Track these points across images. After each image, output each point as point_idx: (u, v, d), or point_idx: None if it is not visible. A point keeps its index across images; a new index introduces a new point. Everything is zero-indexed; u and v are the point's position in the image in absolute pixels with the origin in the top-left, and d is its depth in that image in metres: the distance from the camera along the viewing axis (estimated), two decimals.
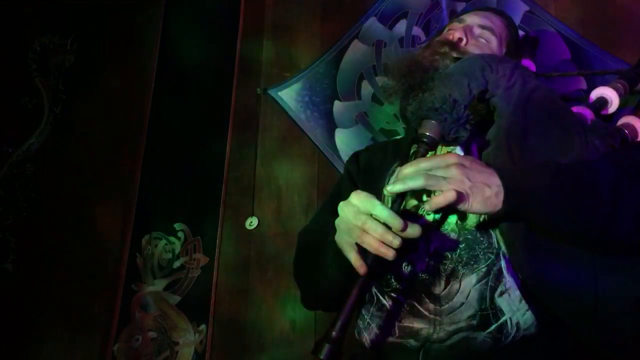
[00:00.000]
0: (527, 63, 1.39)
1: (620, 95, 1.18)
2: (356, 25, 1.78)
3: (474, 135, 0.99)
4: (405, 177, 0.83)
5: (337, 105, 1.73)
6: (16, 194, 1.89)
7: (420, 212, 1.00)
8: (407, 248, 0.98)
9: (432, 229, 0.99)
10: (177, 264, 1.69)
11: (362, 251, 0.86)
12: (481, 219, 0.94)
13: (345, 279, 0.97)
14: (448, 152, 1.03)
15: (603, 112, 1.16)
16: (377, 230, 0.84)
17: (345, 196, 1.22)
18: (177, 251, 1.71)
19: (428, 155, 0.89)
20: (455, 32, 1.21)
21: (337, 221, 0.92)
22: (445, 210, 0.92)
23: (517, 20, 1.56)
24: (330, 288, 1.06)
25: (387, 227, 0.84)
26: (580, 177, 0.85)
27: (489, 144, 0.97)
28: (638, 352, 0.86)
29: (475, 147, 1.04)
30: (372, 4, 1.78)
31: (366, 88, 1.72)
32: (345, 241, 0.89)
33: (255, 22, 1.92)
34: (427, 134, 0.89)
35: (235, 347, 1.57)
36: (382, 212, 0.84)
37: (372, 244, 0.84)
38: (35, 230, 1.83)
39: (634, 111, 1.21)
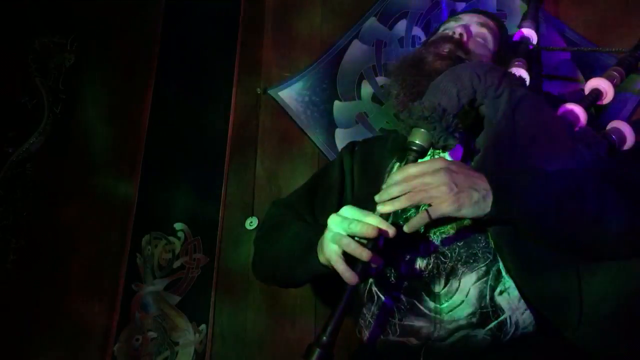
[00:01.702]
0: (529, 33, 1.40)
1: (615, 85, 1.19)
2: (356, 25, 1.78)
3: (464, 141, 1.02)
4: (393, 193, 0.87)
5: (337, 105, 1.73)
6: (16, 194, 1.89)
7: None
8: (406, 247, 1.00)
9: (431, 228, 0.99)
10: (177, 264, 1.69)
11: (350, 261, 0.88)
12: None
13: (307, 279, 1.02)
14: (438, 157, 1.05)
15: (598, 103, 1.18)
16: (359, 228, 0.87)
17: (328, 186, 1.26)
18: (177, 251, 1.71)
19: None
20: (456, 29, 1.22)
21: (326, 234, 0.93)
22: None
23: (517, 21, 1.56)
24: (288, 277, 1.11)
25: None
26: (568, 184, 0.87)
27: (478, 151, 0.98)
28: (624, 350, 0.88)
29: (466, 152, 1.05)
30: (372, 4, 1.78)
31: (366, 88, 1.72)
32: (333, 251, 0.90)
33: (255, 22, 1.92)
34: (417, 142, 0.92)
35: (235, 348, 1.57)
36: (374, 219, 0.88)
37: (350, 246, 0.87)
38: (35, 230, 1.83)
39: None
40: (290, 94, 1.78)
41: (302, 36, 1.86)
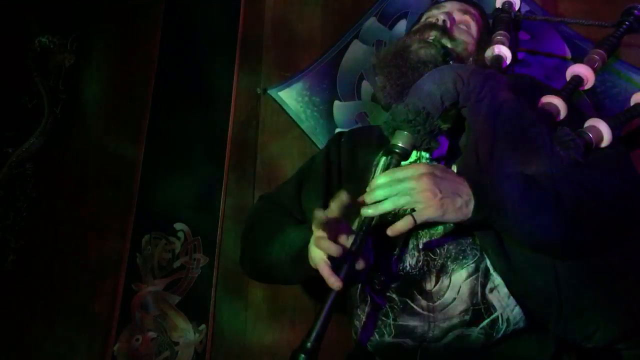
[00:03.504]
0: None
1: (595, 69, 1.19)
2: (356, 25, 1.78)
3: (449, 137, 1.03)
4: (376, 197, 0.87)
5: (337, 105, 1.73)
6: (16, 194, 1.89)
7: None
8: (395, 246, 1.00)
9: (419, 228, 1.00)
10: (177, 264, 1.69)
11: (335, 265, 0.89)
12: None
13: (298, 281, 1.03)
14: (420, 161, 1.07)
15: (581, 88, 1.19)
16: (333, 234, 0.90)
17: (315, 177, 1.27)
18: (177, 251, 1.71)
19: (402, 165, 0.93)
20: (439, 17, 1.22)
21: (312, 239, 0.95)
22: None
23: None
24: (279, 278, 1.13)
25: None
26: (546, 192, 0.89)
27: (459, 152, 0.99)
28: (602, 340, 0.92)
29: (450, 149, 1.07)
30: (372, 4, 1.78)
31: (366, 88, 1.72)
32: (319, 256, 0.92)
33: (255, 23, 1.93)
34: (400, 145, 0.92)
35: (235, 347, 1.57)
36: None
37: (331, 249, 0.89)
38: (35, 230, 1.83)
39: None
40: (290, 94, 1.78)
41: (302, 36, 1.86)
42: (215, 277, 1.65)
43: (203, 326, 1.60)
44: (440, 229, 1.00)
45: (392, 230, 0.88)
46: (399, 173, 0.88)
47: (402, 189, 0.86)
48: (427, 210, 0.85)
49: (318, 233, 0.92)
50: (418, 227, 0.99)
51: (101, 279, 1.73)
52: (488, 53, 1.30)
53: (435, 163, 1.05)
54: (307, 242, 0.97)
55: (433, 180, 0.86)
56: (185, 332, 1.60)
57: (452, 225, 0.98)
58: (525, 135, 0.96)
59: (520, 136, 0.96)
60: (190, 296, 1.64)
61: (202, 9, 2.00)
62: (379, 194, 0.87)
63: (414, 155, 1.10)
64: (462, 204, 0.86)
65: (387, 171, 0.90)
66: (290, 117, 1.76)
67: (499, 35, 1.33)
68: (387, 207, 0.87)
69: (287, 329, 1.54)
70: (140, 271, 1.71)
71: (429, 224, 0.99)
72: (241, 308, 1.61)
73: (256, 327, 1.58)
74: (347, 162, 1.23)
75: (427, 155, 1.09)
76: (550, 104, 1.08)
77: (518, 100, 1.01)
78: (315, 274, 0.95)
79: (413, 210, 0.87)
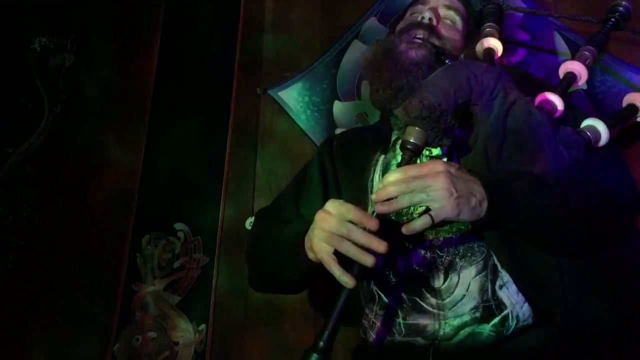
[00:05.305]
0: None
1: (588, 65, 1.19)
2: (356, 25, 1.78)
3: (454, 138, 1.03)
4: (390, 193, 0.85)
5: (337, 105, 1.73)
6: (16, 194, 1.89)
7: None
8: (402, 244, 1.00)
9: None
10: (177, 264, 1.69)
11: (344, 262, 0.86)
12: None
13: (298, 278, 1.02)
14: (432, 157, 1.06)
15: (574, 84, 1.19)
16: (363, 238, 0.85)
17: (311, 184, 1.25)
18: (177, 251, 1.71)
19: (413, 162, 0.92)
20: (425, 14, 1.22)
21: (315, 232, 0.90)
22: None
23: (517, 21, 1.56)
24: (281, 281, 1.10)
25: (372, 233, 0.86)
26: (555, 192, 0.90)
27: (467, 149, 0.99)
28: (602, 337, 0.95)
29: (451, 146, 1.06)
30: (372, 4, 1.78)
31: (366, 88, 1.72)
32: (325, 251, 0.88)
33: (255, 22, 1.92)
34: (412, 141, 0.91)
35: (235, 347, 1.57)
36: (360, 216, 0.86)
37: (352, 252, 0.85)
38: (35, 230, 1.83)
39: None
40: (290, 94, 1.78)
41: (302, 36, 1.86)
42: (215, 277, 1.64)
43: (203, 326, 1.60)
44: (447, 226, 1.00)
45: (407, 229, 0.86)
46: (413, 170, 0.86)
47: (417, 187, 0.84)
48: (443, 209, 0.84)
49: (329, 227, 0.87)
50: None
51: (101, 279, 1.73)
52: (478, 47, 1.29)
53: (449, 161, 1.04)
54: (303, 232, 0.94)
55: (449, 178, 0.84)
56: (185, 332, 1.60)
57: (458, 223, 0.98)
58: (533, 134, 0.97)
59: (528, 135, 0.96)
60: (190, 296, 1.64)
61: (202, 8, 2.01)
62: (392, 189, 0.85)
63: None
64: (476, 204, 0.85)
65: (399, 168, 0.88)
66: (290, 117, 1.75)
67: (488, 27, 1.32)
68: (402, 204, 0.85)
69: (287, 329, 1.54)
70: (140, 271, 1.71)
71: (438, 225, 0.99)
72: (241, 308, 1.60)
73: (256, 327, 1.58)
74: (342, 165, 1.21)
75: (428, 153, 1.09)
76: (547, 101, 1.09)
77: (527, 99, 1.02)
78: (314, 265, 0.92)
79: (428, 209, 0.85)
